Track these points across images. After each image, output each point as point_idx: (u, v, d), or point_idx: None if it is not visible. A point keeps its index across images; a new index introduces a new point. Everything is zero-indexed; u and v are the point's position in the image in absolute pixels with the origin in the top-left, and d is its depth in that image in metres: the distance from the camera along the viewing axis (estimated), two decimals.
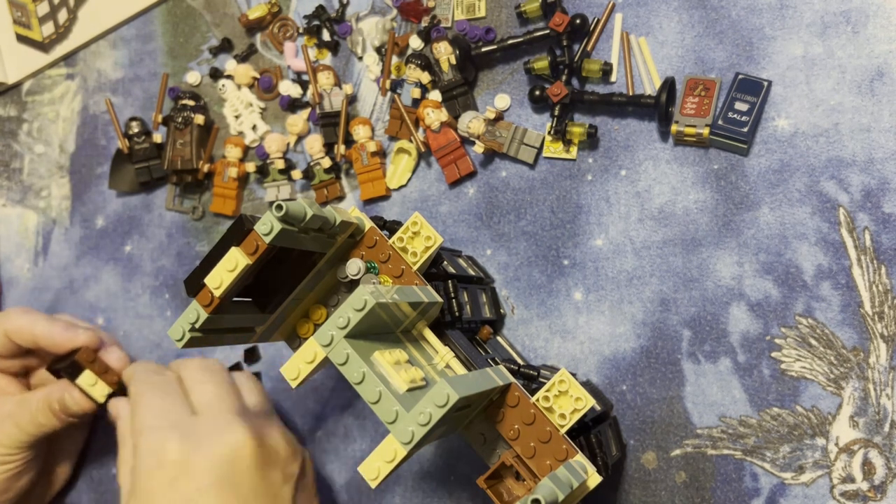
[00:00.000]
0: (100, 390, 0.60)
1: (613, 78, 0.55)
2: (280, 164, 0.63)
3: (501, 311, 0.56)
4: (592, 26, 0.55)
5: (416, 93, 0.59)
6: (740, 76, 0.51)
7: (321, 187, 0.62)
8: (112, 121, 0.68)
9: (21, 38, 0.74)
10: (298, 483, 0.53)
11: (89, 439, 0.68)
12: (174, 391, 0.53)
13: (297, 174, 0.63)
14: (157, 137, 0.66)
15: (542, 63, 0.55)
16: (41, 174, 0.74)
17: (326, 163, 0.61)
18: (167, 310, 0.67)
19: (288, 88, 0.64)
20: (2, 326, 0.61)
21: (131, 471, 0.50)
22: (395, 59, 0.61)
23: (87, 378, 0.59)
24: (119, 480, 0.54)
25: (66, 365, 0.59)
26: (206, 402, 0.53)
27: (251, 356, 0.64)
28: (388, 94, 0.60)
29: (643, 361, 0.52)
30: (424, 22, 0.60)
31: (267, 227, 0.38)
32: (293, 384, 0.41)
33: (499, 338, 0.55)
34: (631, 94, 0.54)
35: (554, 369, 0.53)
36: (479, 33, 0.57)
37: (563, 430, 0.41)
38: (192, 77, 0.68)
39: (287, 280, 0.43)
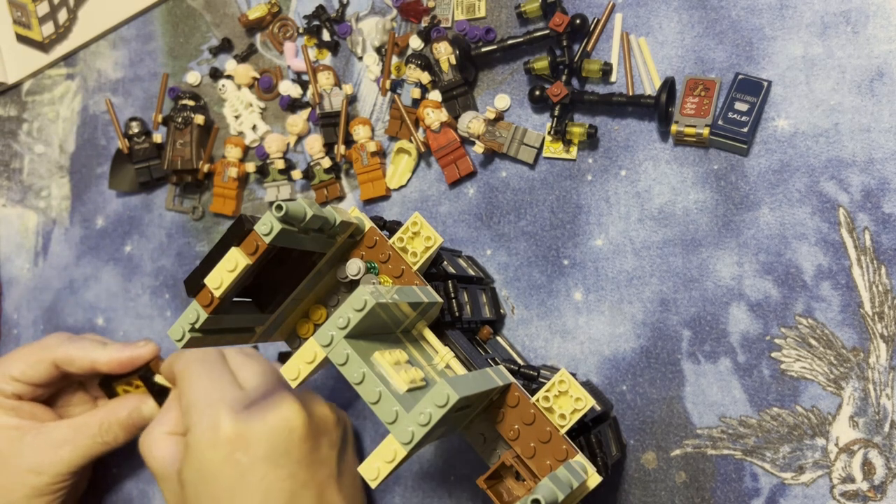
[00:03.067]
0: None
1: (613, 78, 0.55)
2: (280, 164, 0.63)
3: (501, 311, 0.56)
4: (592, 26, 0.55)
5: (416, 93, 0.59)
6: (740, 76, 0.51)
7: (321, 187, 0.62)
8: (112, 121, 0.68)
9: (21, 38, 0.74)
10: (341, 447, 0.56)
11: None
12: (221, 368, 0.55)
13: (297, 174, 0.63)
14: (157, 137, 0.66)
15: (542, 63, 0.55)
16: (41, 174, 0.74)
17: (326, 163, 0.61)
18: (167, 310, 0.67)
19: (288, 88, 0.64)
20: (49, 356, 0.61)
21: (184, 447, 0.52)
22: (395, 59, 0.61)
23: (160, 379, 0.62)
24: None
25: (142, 373, 0.62)
26: (253, 379, 0.55)
27: None
28: (388, 94, 0.60)
29: (643, 361, 0.52)
30: (424, 22, 0.60)
31: (267, 227, 0.38)
32: (293, 384, 0.41)
33: (499, 338, 0.55)
34: (631, 94, 0.54)
35: (554, 369, 0.53)
36: (479, 33, 0.57)
37: (563, 431, 0.41)
38: (192, 77, 0.68)
39: (287, 280, 0.43)
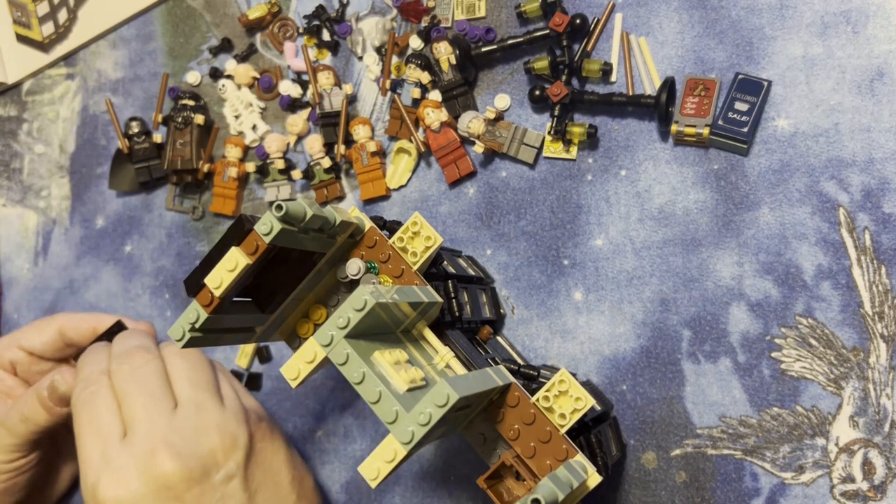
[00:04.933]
0: None
1: (613, 78, 0.55)
2: (280, 164, 0.63)
3: (501, 311, 0.56)
4: (592, 26, 0.55)
5: (416, 93, 0.59)
6: (740, 76, 0.51)
7: (321, 187, 0.62)
8: (112, 121, 0.68)
9: (21, 38, 0.74)
10: (249, 457, 0.53)
11: None
12: (104, 414, 0.52)
13: (297, 174, 0.63)
14: (157, 137, 0.66)
15: (542, 63, 0.55)
16: (41, 174, 0.74)
17: (326, 163, 0.61)
18: (167, 310, 0.67)
19: (288, 88, 0.64)
20: (55, 322, 0.61)
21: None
22: (395, 59, 0.61)
23: None
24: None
25: (113, 327, 0.61)
26: (135, 421, 0.52)
27: (262, 356, 0.64)
28: (388, 94, 0.60)
29: (643, 361, 0.52)
30: (424, 22, 0.60)
31: (267, 227, 0.38)
32: (293, 384, 0.41)
33: (499, 338, 0.55)
34: (631, 94, 0.54)
35: (554, 369, 0.53)
36: (479, 33, 0.57)
37: (563, 430, 0.41)
38: (192, 77, 0.68)
39: (287, 280, 0.43)
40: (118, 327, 0.61)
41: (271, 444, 0.55)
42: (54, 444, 0.64)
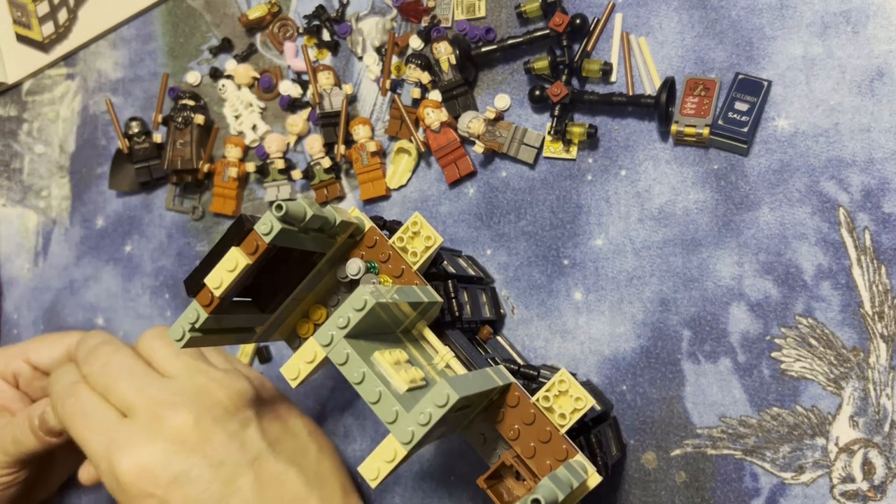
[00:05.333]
0: None
1: (613, 78, 0.55)
2: (280, 164, 0.63)
3: (501, 311, 0.56)
4: (592, 26, 0.55)
5: (416, 93, 0.59)
6: (740, 76, 0.51)
7: (321, 187, 0.62)
8: (112, 121, 0.68)
9: (21, 38, 0.74)
10: (262, 412, 0.53)
11: None
12: (92, 399, 0.52)
13: (297, 174, 0.63)
14: (157, 137, 0.66)
15: (542, 63, 0.55)
16: (41, 174, 0.74)
17: (326, 163, 0.61)
18: (167, 310, 0.67)
19: (288, 88, 0.64)
20: (67, 340, 0.61)
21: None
22: (395, 59, 0.61)
23: None
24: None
25: None
26: (127, 400, 0.51)
27: (262, 356, 0.64)
28: (388, 94, 0.60)
29: (643, 361, 0.52)
30: (424, 22, 0.60)
31: (267, 227, 0.38)
32: (293, 384, 0.41)
33: (499, 338, 0.55)
34: (631, 94, 0.54)
35: (554, 369, 0.53)
36: (479, 33, 0.57)
37: (563, 430, 0.41)
38: (192, 77, 0.68)
39: (287, 280, 0.43)
40: None
41: (283, 402, 0.55)
42: (47, 460, 0.63)
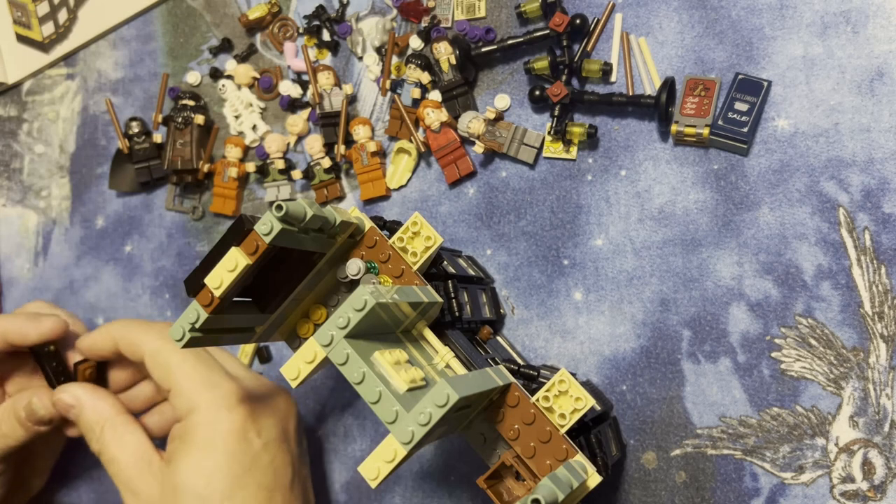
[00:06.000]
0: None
1: (613, 78, 0.55)
2: (280, 164, 0.63)
3: (501, 311, 0.56)
4: (592, 26, 0.55)
5: (416, 93, 0.59)
6: (740, 76, 0.51)
7: (321, 187, 0.62)
8: (112, 121, 0.68)
9: (21, 38, 0.74)
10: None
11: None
12: (209, 358, 0.54)
13: (297, 174, 0.63)
14: (157, 137, 0.66)
15: (542, 63, 0.55)
16: (41, 174, 0.74)
17: (326, 163, 0.61)
18: (167, 310, 0.67)
19: (288, 88, 0.64)
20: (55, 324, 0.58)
21: (182, 432, 0.51)
22: (395, 59, 0.61)
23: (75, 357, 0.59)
24: (114, 458, 0.53)
25: (43, 350, 0.58)
26: (235, 369, 0.55)
27: (262, 356, 0.64)
28: (388, 94, 0.60)
29: (643, 361, 0.52)
30: (424, 22, 0.60)
31: (267, 227, 0.38)
32: (293, 384, 0.41)
33: (499, 338, 0.55)
34: (631, 94, 0.54)
35: (554, 369, 0.53)
36: (479, 33, 0.57)
37: (563, 430, 0.41)
38: (192, 77, 0.68)
39: (287, 280, 0.43)
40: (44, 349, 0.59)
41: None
42: (23, 454, 0.61)
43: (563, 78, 0.54)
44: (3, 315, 0.59)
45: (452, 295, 0.47)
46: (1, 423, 0.57)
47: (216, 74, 0.66)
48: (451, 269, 0.50)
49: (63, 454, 0.67)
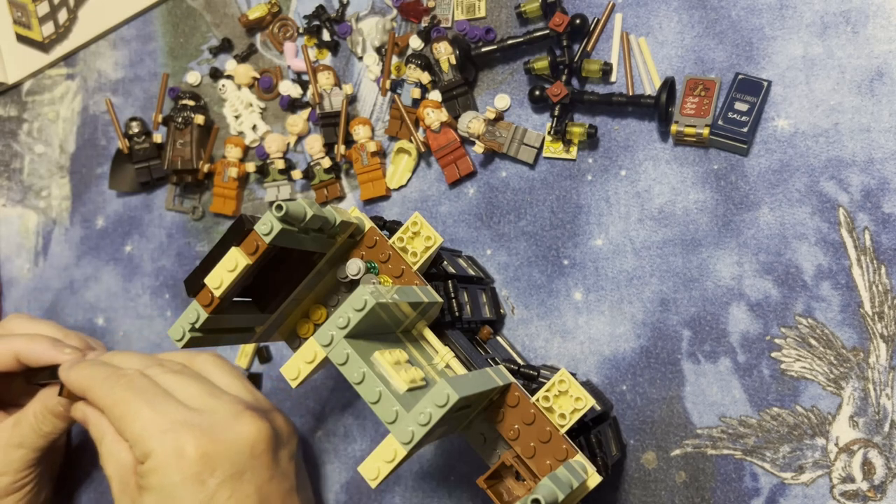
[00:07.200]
0: None
1: (613, 78, 0.55)
2: (280, 164, 0.63)
3: (501, 311, 0.56)
4: (592, 26, 0.55)
5: (416, 93, 0.59)
6: (740, 76, 0.51)
7: (321, 187, 0.62)
8: (112, 121, 0.68)
9: (21, 38, 0.74)
10: (297, 458, 0.56)
11: (85, 439, 0.68)
12: (156, 391, 0.52)
13: (297, 174, 0.63)
14: (157, 137, 0.66)
15: (542, 63, 0.55)
16: (41, 174, 0.74)
17: (326, 163, 0.62)
18: (167, 310, 0.67)
19: (288, 88, 0.64)
20: (10, 348, 0.59)
21: (139, 475, 0.50)
22: (395, 59, 0.61)
23: None
24: (107, 472, 0.53)
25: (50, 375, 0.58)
26: (198, 396, 0.53)
27: (262, 356, 0.64)
28: (388, 94, 0.60)
29: (643, 361, 0.52)
30: (424, 22, 0.60)
31: (267, 227, 0.38)
32: (293, 384, 0.41)
33: (499, 338, 0.55)
34: (631, 94, 0.54)
35: (554, 369, 0.53)
36: (479, 33, 0.57)
37: (563, 430, 0.41)
38: (192, 77, 0.68)
39: (287, 280, 0.43)
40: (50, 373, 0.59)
41: (299, 455, 0.57)
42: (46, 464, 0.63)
43: (563, 78, 0.54)
44: (20, 335, 0.60)
45: (452, 295, 0.47)
46: (41, 424, 0.58)
47: (216, 74, 0.66)
48: (451, 269, 0.50)
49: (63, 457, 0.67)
